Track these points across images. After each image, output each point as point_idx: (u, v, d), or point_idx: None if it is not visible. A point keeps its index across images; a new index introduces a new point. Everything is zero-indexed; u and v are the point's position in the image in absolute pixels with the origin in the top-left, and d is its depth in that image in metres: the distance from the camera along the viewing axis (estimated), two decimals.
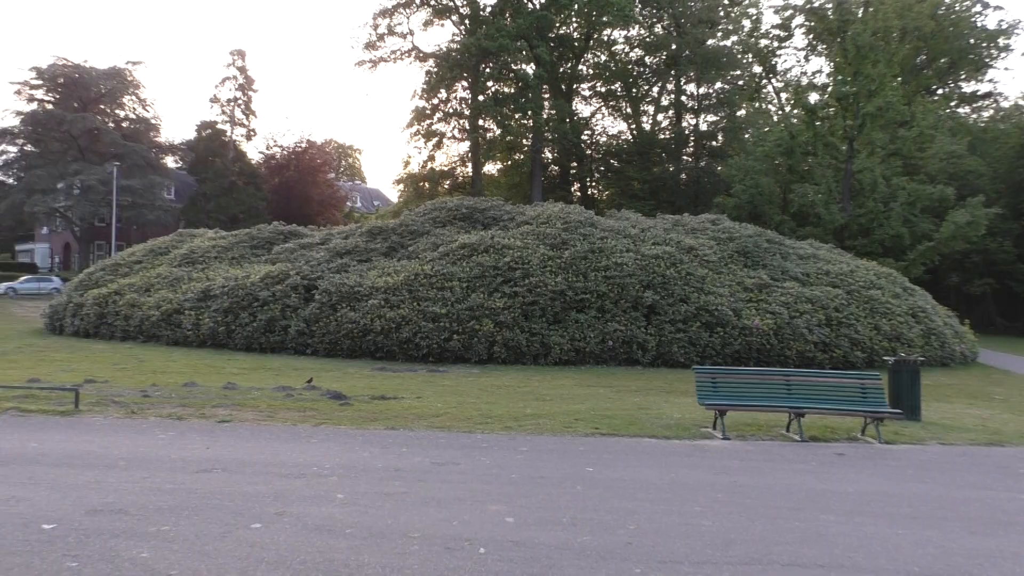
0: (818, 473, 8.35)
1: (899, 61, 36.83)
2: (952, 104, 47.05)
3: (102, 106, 58.72)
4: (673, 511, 6.57)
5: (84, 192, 52.52)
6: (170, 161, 63.49)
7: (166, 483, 7.00)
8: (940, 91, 46.99)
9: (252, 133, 63.75)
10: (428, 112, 49.63)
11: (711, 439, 10.13)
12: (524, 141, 50.71)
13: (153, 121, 61.07)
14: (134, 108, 60.53)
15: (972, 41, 45.50)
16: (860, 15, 39.75)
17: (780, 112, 45.87)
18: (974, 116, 48.64)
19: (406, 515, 6.19)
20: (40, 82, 55.90)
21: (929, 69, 45.47)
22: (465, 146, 51.32)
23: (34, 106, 55.86)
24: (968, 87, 49.01)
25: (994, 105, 49.62)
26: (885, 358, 13.38)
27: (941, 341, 22.03)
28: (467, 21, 49.01)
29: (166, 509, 6.17)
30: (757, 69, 50.74)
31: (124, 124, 59.47)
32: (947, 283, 40.64)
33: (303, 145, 63.30)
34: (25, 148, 56.67)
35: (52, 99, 56.45)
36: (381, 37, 49.97)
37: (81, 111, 55.29)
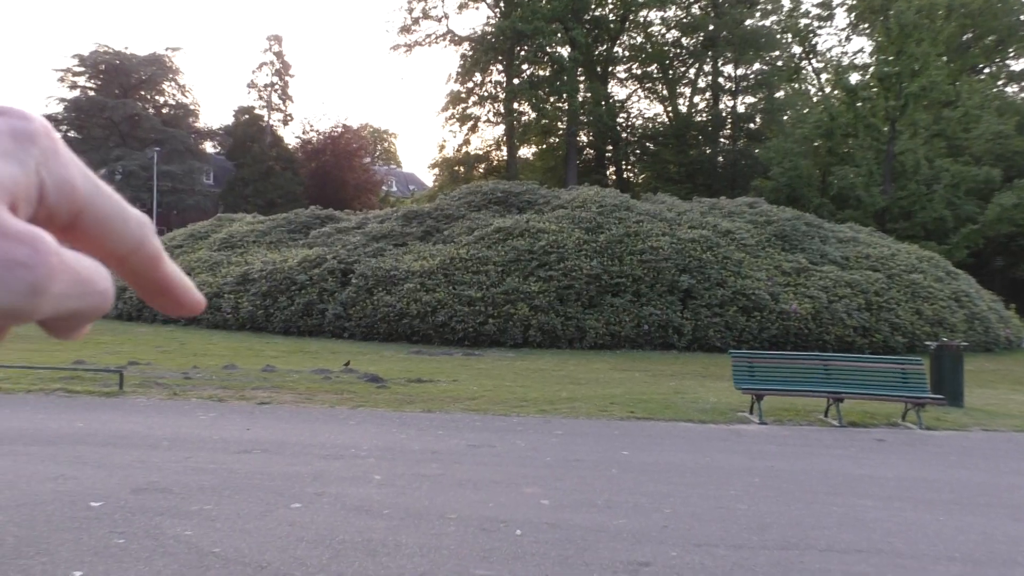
0: (857, 458, 8.26)
1: (944, 39, 35.96)
2: (1000, 83, 45.81)
3: (142, 92, 59.57)
4: (709, 495, 6.55)
5: (126, 177, 53.37)
6: (209, 146, 64.25)
7: (208, 463, 7.14)
8: (987, 69, 45.80)
9: (289, 118, 64.23)
10: (463, 96, 49.64)
11: (747, 424, 10.06)
12: (559, 124, 50.52)
13: (192, 107, 61.86)
14: (173, 94, 61.37)
15: (1022, 18, 44.23)
16: None
17: (820, 93, 45.05)
18: (1023, 95, 47.38)
19: (443, 496, 6.25)
20: (82, 69, 56.83)
21: (976, 47, 44.30)
22: (500, 130, 51.29)
23: (76, 93, 56.84)
24: (1017, 65, 47.73)
25: None
26: (927, 343, 13.17)
27: (985, 326, 21.63)
28: (501, 4, 48.77)
29: (208, 488, 6.29)
30: (796, 49, 49.83)
31: (164, 110, 60.30)
32: (992, 267, 39.76)
33: (339, 130, 63.57)
34: (68, 134, 57.63)
35: (94, 86, 57.37)
36: (416, 21, 50.03)
37: (122, 97, 56.16)
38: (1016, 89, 47.75)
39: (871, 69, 36.59)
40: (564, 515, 5.86)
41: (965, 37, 44.23)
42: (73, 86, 57.03)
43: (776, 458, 8.12)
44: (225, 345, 18.02)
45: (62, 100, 56.18)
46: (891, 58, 33.64)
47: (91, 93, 56.74)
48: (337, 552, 4.96)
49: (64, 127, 57.55)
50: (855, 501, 6.52)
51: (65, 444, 7.80)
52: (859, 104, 35.73)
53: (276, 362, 14.80)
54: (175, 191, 55.37)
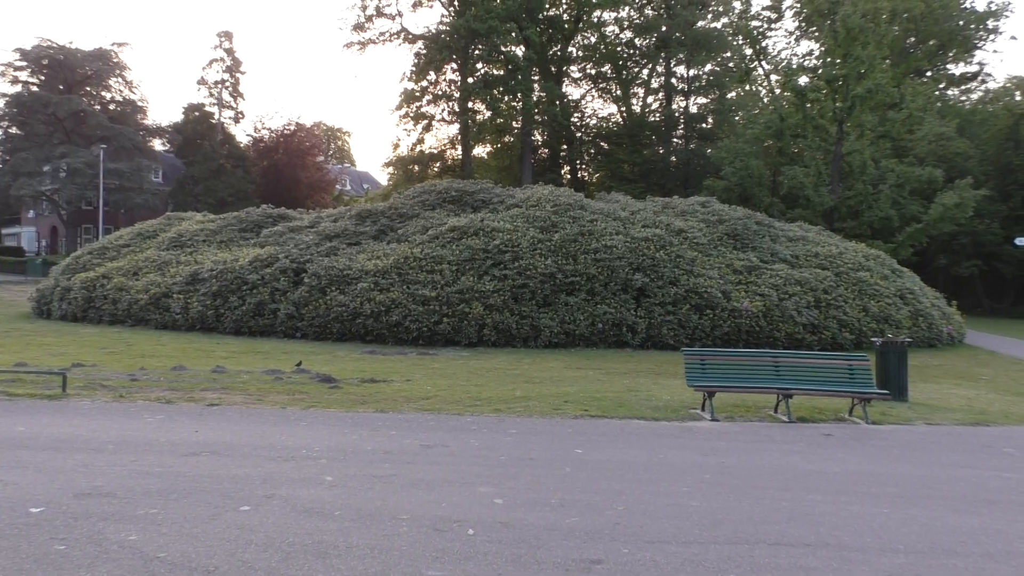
0: (805, 453, 8.40)
1: (889, 43, 36.80)
2: (941, 86, 47.11)
3: (88, 88, 58.15)
4: (661, 492, 6.60)
5: (71, 175, 52.05)
6: (157, 144, 62.97)
7: (154, 466, 6.99)
8: (929, 73, 47.02)
9: (240, 116, 63.40)
10: (417, 94, 49.35)
11: (699, 420, 10.17)
12: (514, 123, 50.60)
13: (140, 103, 60.51)
14: (120, 90, 59.95)
15: (961, 23, 45.53)
16: None
17: (770, 95, 45.83)
18: (963, 98, 48.76)
19: (395, 497, 6.20)
20: (24, 64, 55.25)
21: (918, 51, 45.47)
22: (455, 129, 51.18)
23: (18, 88, 55.21)
24: (957, 69, 49.11)
25: (982, 87, 49.77)
26: (873, 339, 13.45)
27: (929, 322, 22.19)
28: (456, 2, 48.66)
29: (154, 492, 6.16)
30: (748, 51, 50.61)
31: (110, 106, 58.90)
32: (935, 265, 40.87)
33: (292, 128, 62.89)
34: (10, 131, 56.07)
35: (37, 81, 55.82)
36: (369, 18, 49.61)
37: (66, 93, 54.76)
38: (956, 92, 49.14)
39: (819, 71, 37.28)
40: (517, 514, 5.86)
41: (908, 41, 45.37)
42: (15, 81, 55.41)
43: (727, 454, 8.22)
44: (174, 346, 17.68)
45: (3, 96, 54.64)
46: (838, 61, 34.32)
47: (34, 88, 55.19)
48: (287, 555, 4.89)
49: (6, 123, 55.96)
50: (804, 496, 6.63)
51: (4, 449, 7.57)
52: (808, 105, 36.39)
53: (226, 363, 14.56)
54: (122, 189, 54.19)
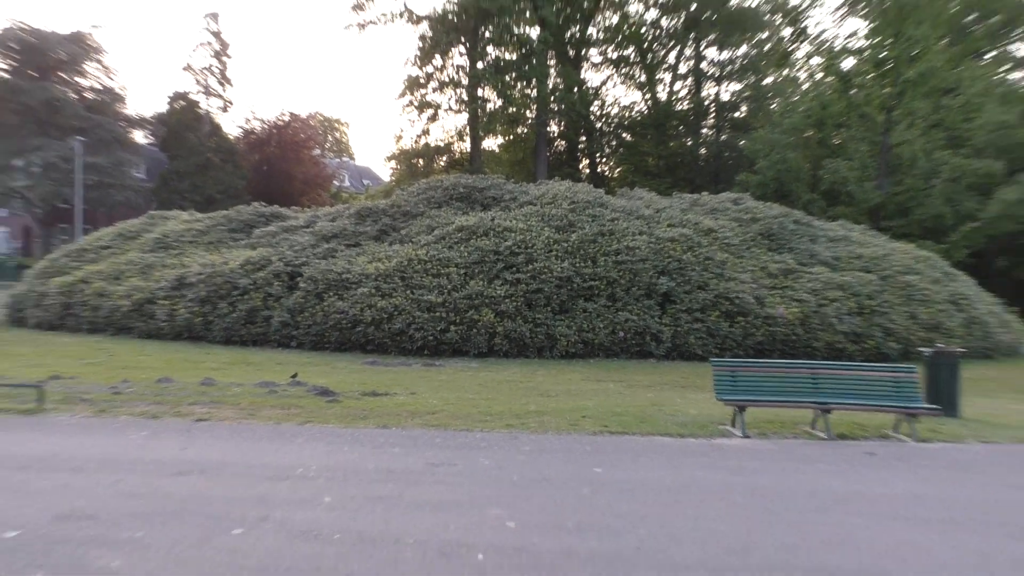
0: (846, 474, 8.44)
1: (945, 21, 36.56)
2: (1004, 69, 46.63)
3: (62, 74, 58.50)
4: (687, 515, 6.67)
5: (45, 170, 52.44)
6: (139, 136, 63.37)
7: (139, 487, 7.11)
8: (992, 54, 46.59)
9: (229, 105, 63.72)
10: (422, 81, 49.46)
11: (729, 437, 10.22)
12: (528, 113, 50.57)
13: (119, 91, 60.83)
14: (98, 77, 60.28)
15: None
16: None
17: (811, 80, 45.69)
18: None
19: (398, 520, 6.30)
20: None
21: (979, 29, 45.06)
22: (463, 119, 51.23)
23: None
24: (1021, 50, 48.62)
25: None
26: (921, 349, 13.45)
27: (984, 331, 22.10)
28: None
29: (139, 514, 6.27)
30: (786, 32, 50.49)
31: (87, 95, 59.24)
32: (995, 268, 40.51)
33: (285, 118, 63.23)
34: None
35: (7, 67, 56.21)
36: None
37: (40, 80, 55.16)
38: (1021, 76, 48.65)
39: (866, 53, 37.09)
40: (531, 538, 5.94)
41: (968, 18, 44.89)
42: None
43: (759, 474, 8.27)
44: (159, 356, 17.86)
45: None
46: (888, 41, 34.17)
47: (4, 75, 55.65)
48: None
49: None
50: (844, 520, 6.68)
51: None
52: (852, 92, 36.27)
53: (216, 374, 14.70)
54: (102, 186, 54.52)
